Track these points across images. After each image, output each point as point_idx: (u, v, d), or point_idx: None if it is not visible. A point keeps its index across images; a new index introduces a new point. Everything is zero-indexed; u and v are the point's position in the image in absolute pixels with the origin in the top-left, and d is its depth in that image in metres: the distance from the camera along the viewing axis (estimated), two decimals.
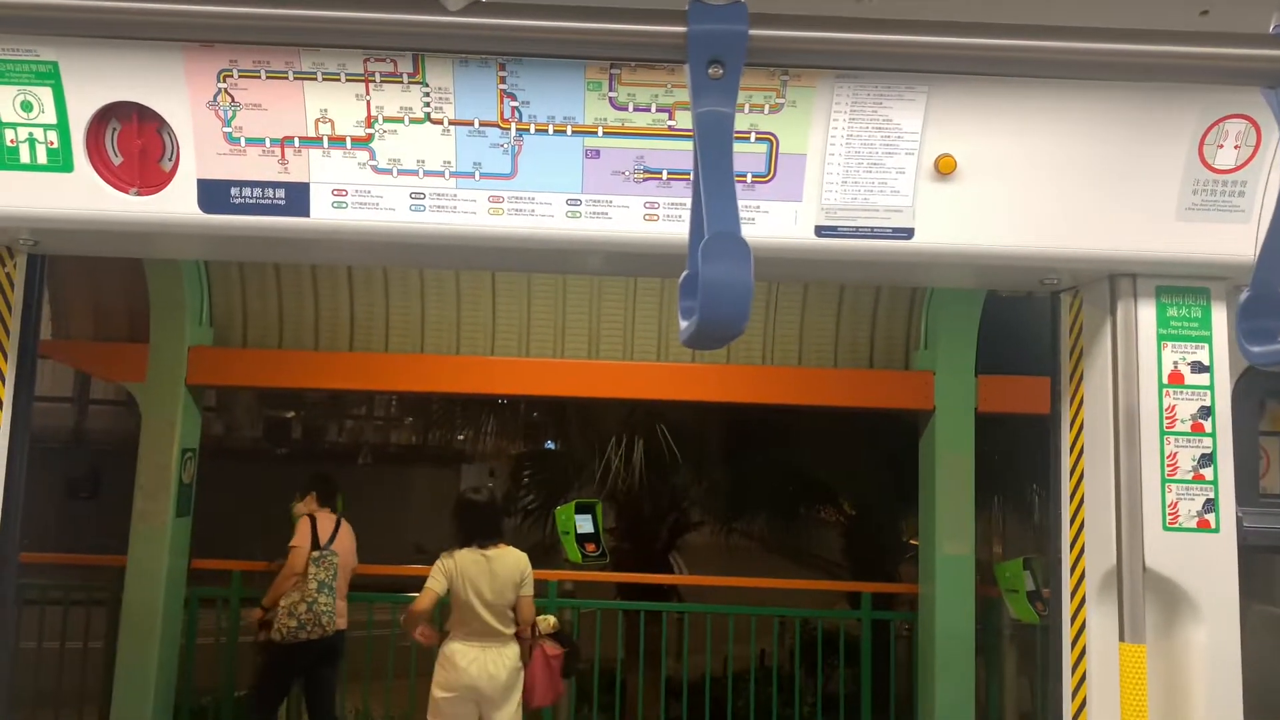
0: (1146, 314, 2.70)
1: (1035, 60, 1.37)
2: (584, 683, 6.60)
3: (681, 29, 1.25)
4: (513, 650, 4.55)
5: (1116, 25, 1.39)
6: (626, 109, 2.43)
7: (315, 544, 5.54)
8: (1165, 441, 2.66)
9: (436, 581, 4.50)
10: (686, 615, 7.08)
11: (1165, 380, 2.68)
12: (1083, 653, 2.79)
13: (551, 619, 4.79)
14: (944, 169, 2.47)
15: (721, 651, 6.67)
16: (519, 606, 4.56)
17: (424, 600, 4.51)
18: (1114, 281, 2.72)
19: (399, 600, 6.33)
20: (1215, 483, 2.65)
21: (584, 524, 6.40)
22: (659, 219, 2.51)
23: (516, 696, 4.54)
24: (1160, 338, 2.69)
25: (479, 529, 4.61)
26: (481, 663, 4.46)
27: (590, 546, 6.38)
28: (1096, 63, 1.39)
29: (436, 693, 4.51)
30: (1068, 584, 2.87)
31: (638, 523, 9.38)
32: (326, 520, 5.68)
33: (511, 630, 4.56)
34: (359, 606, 6.57)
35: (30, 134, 2.45)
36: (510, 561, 4.56)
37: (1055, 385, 3.00)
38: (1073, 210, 2.52)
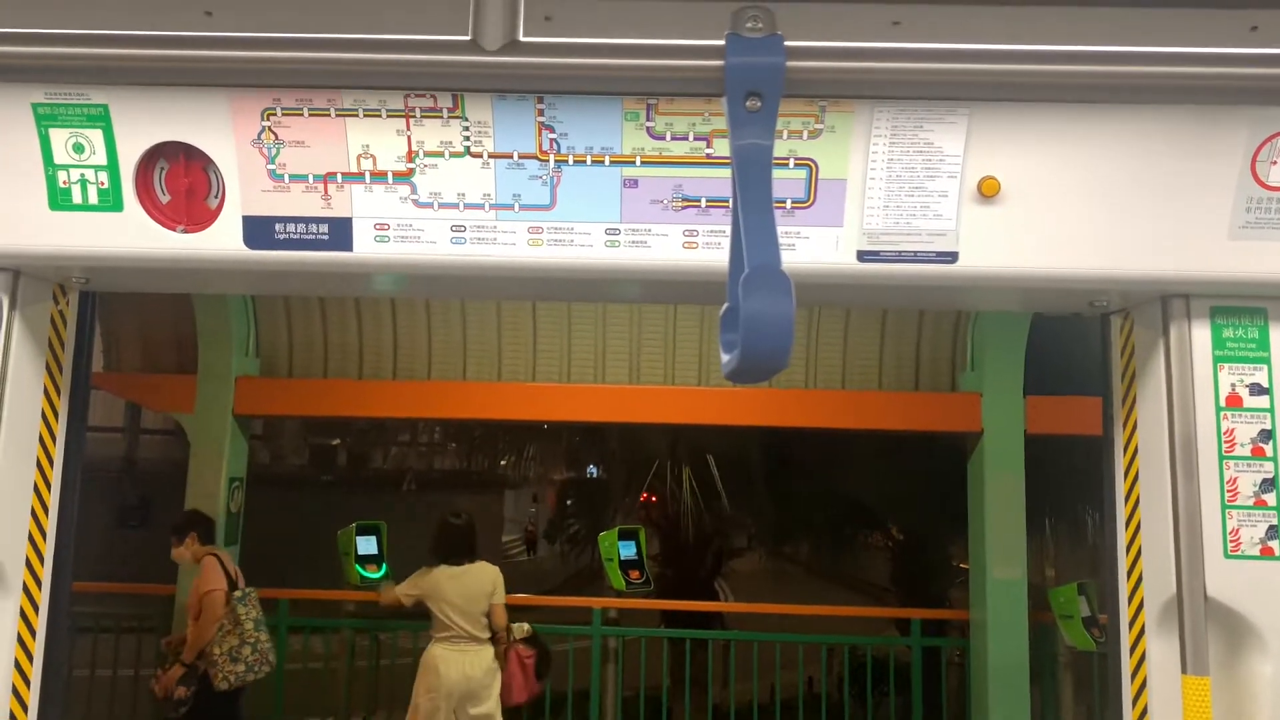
0: (1201, 335, 2.63)
1: (1080, 85, 1.35)
2: (630, 711, 6.55)
3: (719, 63, 1.24)
4: (487, 652, 5.14)
5: (1163, 44, 1.35)
6: (664, 138, 2.42)
7: (231, 584, 5.33)
8: (1224, 466, 2.58)
9: (406, 594, 5.23)
10: (732, 643, 7.01)
11: (1222, 403, 2.61)
12: (1143, 685, 2.71)
13: (525, 626, 5.42)
14: (987, 191, 2.43)
15: (768, 679, 6.58)
16: (492, 613, 5.17)
17: (388, 599, 5.34)
18: (1166, 303, 2.65)
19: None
20: (1279, 508, 2.57)
21: (627, 551, 6.39)
22: (698, 246, 2.50)
23: (495, 693, 5.13)
24: (1216, 359, 2.62)
25: (455, 549, 5.26)
26: (459, 665, 5.04)
27: (634, 573, 6.36)
28: (1144, 87, 1.36)
29: (420, 695, 5.07)
30: (1126, 613, 2.79)
31: (682, 549, 9.33)
32: (227, 558, 5.49)
33: (486, 635, 5.15)
34: (400, 633, 6.59)
35: (82, 175, 2.51)
36: (481, 574, 5.21)
37: (1108, 409, 2.93)
38: (1121, 231, 2.47)
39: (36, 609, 2.83)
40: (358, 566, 6.35)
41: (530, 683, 5.41)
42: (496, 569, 5.27)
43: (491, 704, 5.10)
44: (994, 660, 5.60)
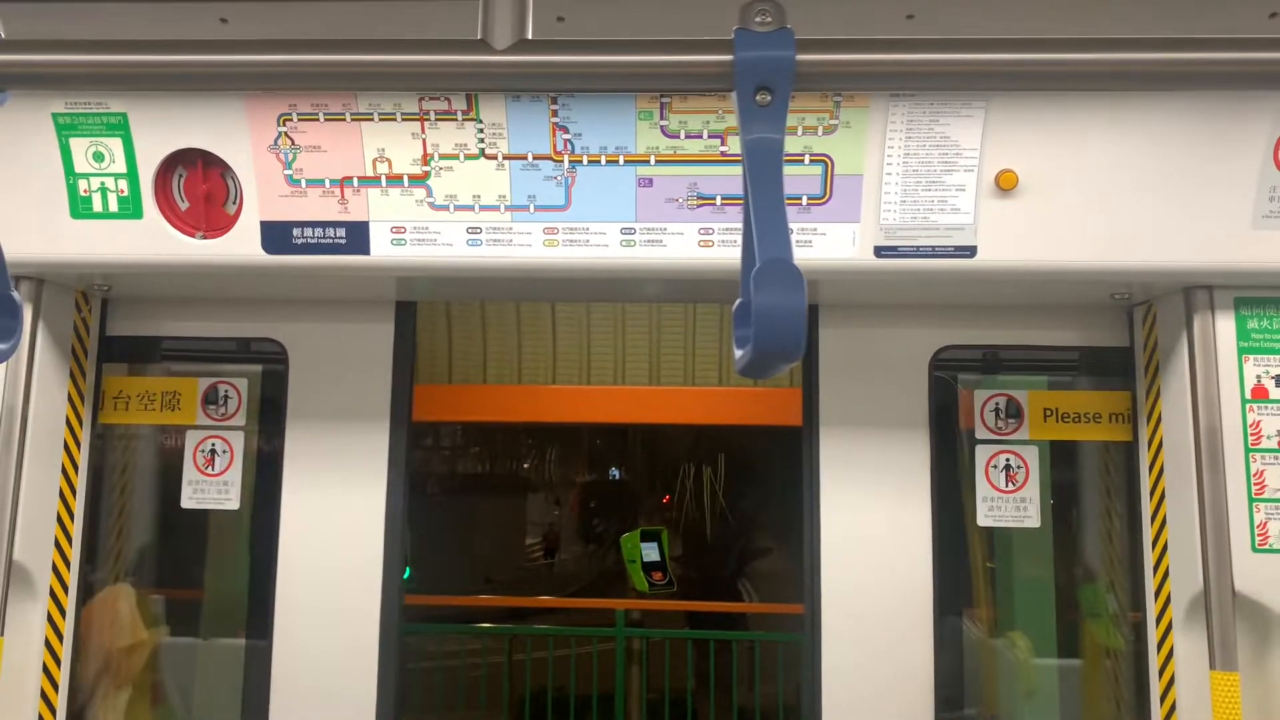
0: (1225, 327, 2.60)
1: (1097, 74, 1.33)
2: (655, 713, 6.54)
3: (728, 57, 1.24)
4: None
5: (1180, 33, 1.34)
6: (678, 136, 2.42)
7: None
8: (1250, 459, 2.55)
9: None
10: (757, 643, 6.98)
11: (1248, 395, 2.58)
12: (1171, 680, 2.68)
13: None
14: (1005, 185, 2.41)
15: (794, 680, 6.55)
16: None
17: None
18: (1189, 294, 2.62)
19: (468, 631, 6.38)
20: None
21: (650, 552, 6.38)
22: (713, 245, 2.49)
23: None
24: (1241, 351, 2.59)
25: None
26: None
27: (657, 575, 6.36)
28: (1162, 74, 1.34)
29: None
30: (1153, 609, 2.76)
31: (705, 550, 9.31)
32: None
33: None
34: (427, 638, 6.61)
35: (102, 183, 2.54)
36: None
37: (1133, 402, 2.91)
38: (1142, 222, 2.44)
39: (64, 613, 2.86)
40: None
41: None
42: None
43: None
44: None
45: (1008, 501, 2.95)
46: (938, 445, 2.95)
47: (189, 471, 3.06)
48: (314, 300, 3.03)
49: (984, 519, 2.96)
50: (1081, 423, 3.00)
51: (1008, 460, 2.97)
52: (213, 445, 3.06)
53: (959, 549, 3.03)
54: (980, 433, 3.01)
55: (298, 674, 2.89)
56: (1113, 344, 2.95)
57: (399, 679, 2.96)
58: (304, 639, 2.90)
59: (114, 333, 3.07)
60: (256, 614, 3.03)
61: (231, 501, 3.05)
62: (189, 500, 3.06)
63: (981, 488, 2.97)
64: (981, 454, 2.99)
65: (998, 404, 3.02)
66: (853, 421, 2.94)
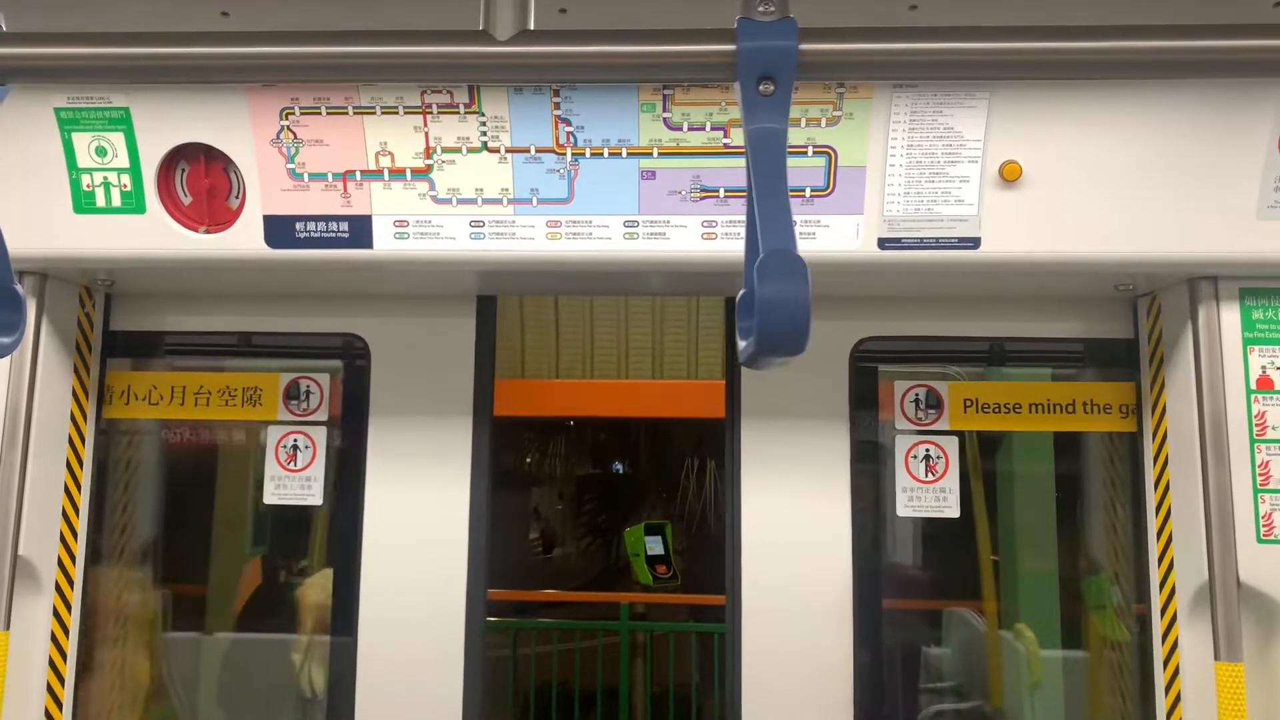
0: (1230, 318, 2.59)
1: (1101, 63, 1.32)
2: (659, 707, 6.55)
3: (730, 47, 1.23)
4: None
5: (1184, 21, 1.33)
6: (681, 129, 2.42)
7: None
8: (1256, 450, 2.55)
9: None
10: None
11: (1253, 386, 2.57)
12: (1176, 672, 2.68)
13: None
14: (1009, 176, 2.41)
15: None
16: None
17: None
18: (1194, 285, 2.62)
19: None
20: None
21: (654, 546, 6.40)
22: (717, 237, 2.49)
23: None
24: (1246, 342, 2.59)
25: None
26: None
27: (661, 568, 6.37)
28: (1166, 62, 1.34)
29: None
30: (1158, 600, 2.76)
31: (709, 544, 9.31)
32: None
33: None
34: None
35: (105, 178, 2.54)
36: None
37: (1137, 394, 2.90)
38: (1147, 213, 2.44)
39: (69, 607, 2.87)
40: None
41: None
42: None
43: None
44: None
45: (928, 492, 2.93)
46: (857, 436, 2.93)
47: (270, 467, 3.05)
48: (396, 295, 3.02)
49: (903, 509, 2.94)
50: (1002, 413, 2.99)
51: (927, 450, 2.96)
52: (295, 440, 3.06)
53: (880, 540, 3.01)
54: (900, 423, 2.99)
55: (383, 671, 2.88)
56: (1116, 335, 2.94)
57: (484, 677, 2.94)
58: (388, 635, 2.88)
59: (117, 327, 3.07)
60: (341, 610, 3.02)
61: (314, 497, 3.04)
62: (271, 496, 3.05)
63: (901, 478, 2.95)
64: (901, 444, 2.97)
65: (917, 394, 3.00)
66: (774, 412, 2.92)
